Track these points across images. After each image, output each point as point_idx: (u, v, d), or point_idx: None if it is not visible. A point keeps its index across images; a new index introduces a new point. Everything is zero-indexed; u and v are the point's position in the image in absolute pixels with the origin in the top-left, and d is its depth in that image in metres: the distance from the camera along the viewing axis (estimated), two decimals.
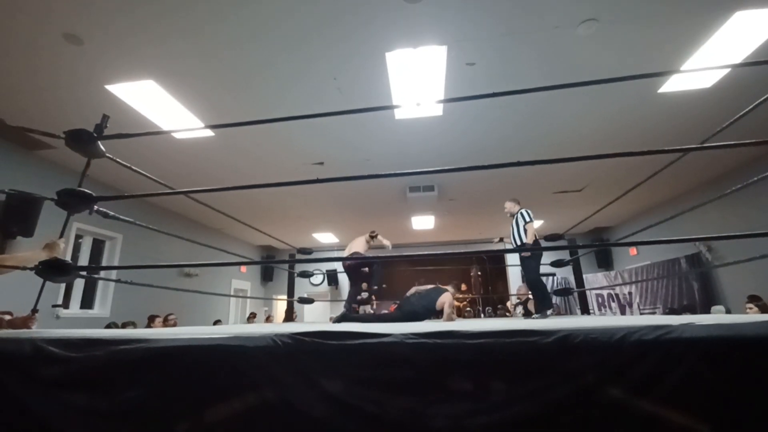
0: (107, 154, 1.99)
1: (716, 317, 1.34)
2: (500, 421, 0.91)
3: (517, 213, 4.12)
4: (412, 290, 3.99)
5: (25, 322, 1.74)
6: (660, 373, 0.89)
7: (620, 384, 0.90)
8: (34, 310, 1.79)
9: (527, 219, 3.97)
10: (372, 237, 4.71)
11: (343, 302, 4.83)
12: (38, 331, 1.55)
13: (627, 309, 7.92)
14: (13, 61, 3.19)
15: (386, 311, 4.47)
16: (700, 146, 1.93)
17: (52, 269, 1.60)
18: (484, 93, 1.85)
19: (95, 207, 1.84)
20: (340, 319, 3.46)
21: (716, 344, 0.90)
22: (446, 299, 3.59)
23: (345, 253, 4.90)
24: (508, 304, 6.33)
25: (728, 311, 5.34)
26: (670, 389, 0.88)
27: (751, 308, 4.15)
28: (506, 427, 0.91)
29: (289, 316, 5.63)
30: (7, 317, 1.79)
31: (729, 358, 0.89)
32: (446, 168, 1.76)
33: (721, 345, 0.90)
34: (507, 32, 3.02)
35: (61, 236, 1.87)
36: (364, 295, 4.91)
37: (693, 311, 5.88)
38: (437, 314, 3.61)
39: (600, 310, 8.63)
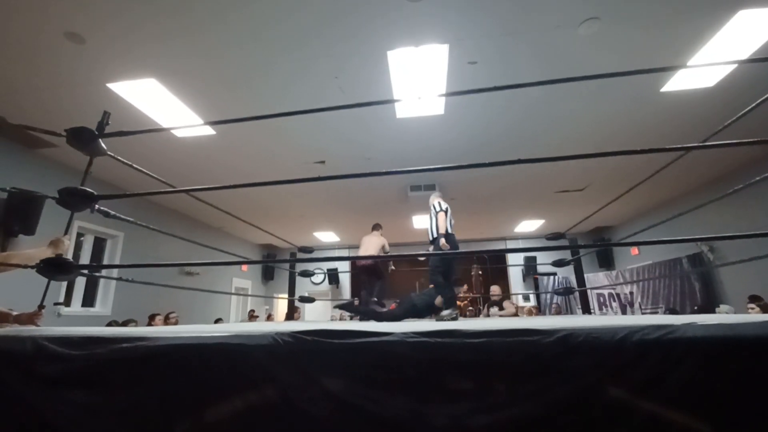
0: (109, 152, 1.98)
1: (719, 317, 1.33)
2: (501, 420, 0.91)
3: (431, 203, 3.81)
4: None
5: (31, 318, 1.74)
6: (662, 373, 0.89)
7: (622, 383, 0.90)
8: (41, 306, 1.79)
9: (437, 209, 3.67)
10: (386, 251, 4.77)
11: (343, 301, 4.82)
12: (40, 329, 1.55)
13: (628, 308, 7.91)
14: (15, 60, 3.19)
15: (386, 309, 4.46)
16: (701, 145, 1.92)
17: (54, 267, 1.60)
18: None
19: (96, 206, 1.84)
20: (344, 306, 3.46)
21: (718, 344, 0.90)
22: None
23: (360, 252, 4.85)
24: (508, 302, 6.34)
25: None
26: (672, 389, 0.87)
27: (753, 308, 4.15)
28: (507, 426, 0.90)
29: (291, 314, 5.63)
30: (14, 313, 1.79)
31: (731, 358, 0.88)
32: (447, 166, 1.76)
33: (724, 345, 0.90)
34: (508, 31, 3.01)
35: (66, 233, 1.87)
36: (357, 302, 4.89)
37: (700, 311, 5.85)
38: (437, 311, 3.62)
39: (601, 309, 8.61)
